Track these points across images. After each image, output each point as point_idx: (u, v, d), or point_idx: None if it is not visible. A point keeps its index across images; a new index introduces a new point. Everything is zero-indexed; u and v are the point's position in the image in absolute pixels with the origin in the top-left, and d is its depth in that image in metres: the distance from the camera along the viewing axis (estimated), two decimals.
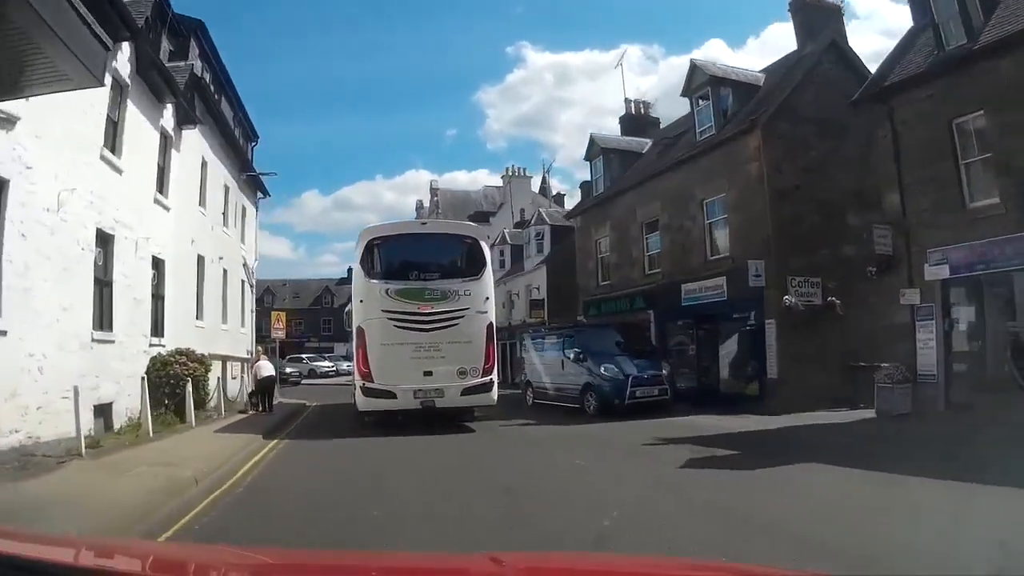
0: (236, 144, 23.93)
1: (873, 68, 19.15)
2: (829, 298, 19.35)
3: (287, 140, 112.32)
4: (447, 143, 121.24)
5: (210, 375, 15.78)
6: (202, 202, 20.24)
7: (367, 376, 13.60)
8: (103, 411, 13.08)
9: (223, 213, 22.48)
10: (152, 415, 13.22)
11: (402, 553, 4.34)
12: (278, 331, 25.79)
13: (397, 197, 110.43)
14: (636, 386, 16.91)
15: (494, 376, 14.24)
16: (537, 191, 53.40)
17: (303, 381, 40.27)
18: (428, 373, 13.46)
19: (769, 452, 10.68)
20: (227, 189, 23.03)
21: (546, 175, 52.16)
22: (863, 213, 19.05)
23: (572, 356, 18.40)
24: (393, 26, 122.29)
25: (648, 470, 9.23)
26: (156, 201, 16.30)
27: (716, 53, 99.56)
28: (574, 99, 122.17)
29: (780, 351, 18.88)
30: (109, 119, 14.02)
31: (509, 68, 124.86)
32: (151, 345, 15.43)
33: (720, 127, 21.59)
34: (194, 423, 14.16)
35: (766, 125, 19.68)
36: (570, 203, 42.44)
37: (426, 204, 57.96)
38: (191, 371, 14.69)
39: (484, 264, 14.56)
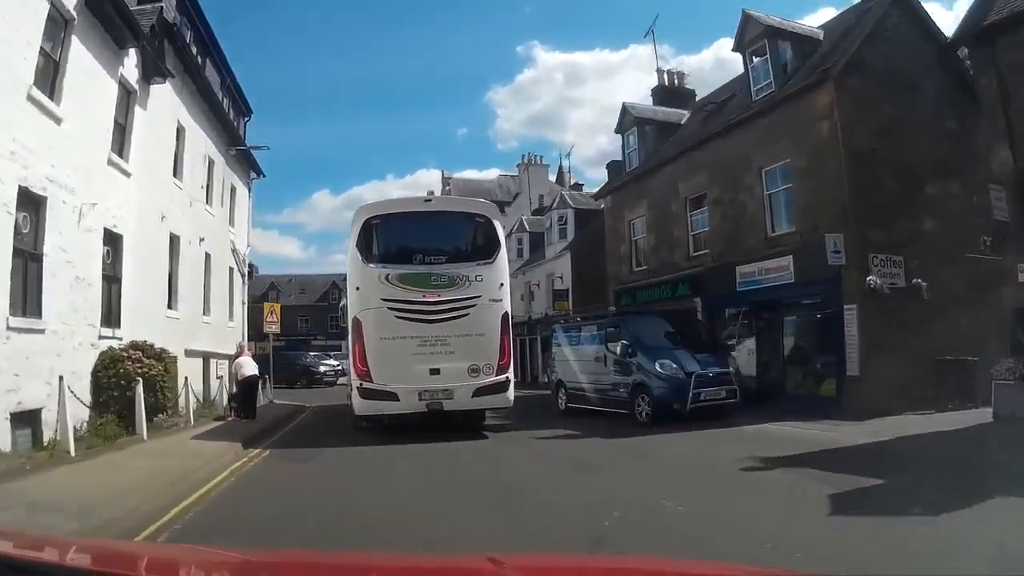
0: (223, 114, 21.01)
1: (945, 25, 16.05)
2: (914, 280, 16.29)
3: (298, 140, 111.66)
4: (458, 142, 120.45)
5: (173, 374, 12.76)
6: (177, 174, 17.33)
7: (364, 375, 11.96)
8: (27, 420, 10.15)
9: (206, 189, 19.60)
10: (95, 425, 10.32)
11: (401, 554, 4.30)
12: (271, 325, 22.80)
13: (408, 196, 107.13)
14: (701, 387, 13.75)
15: (510, 374, 12.67)
16: (554, 180, 50.31)
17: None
18: (435, 371, 11.93)
19: (927, 479, 7.59)
20: (211, 163, 20.14)
21: (567, 160, 48.94)
22: (945, 181, 16.48)
23: (619, 350, 15.12)
24: (403, 26, 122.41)
25: (787, 518, 6.04)
26: (112, 163, 13.39)
27: (726, 53, 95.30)
28: (584, 99, 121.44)
29: (862, 343, 15.84)
30: (45, 55, 11.16)
31: (519, 68, 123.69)
32: (102, 337, 12.51)
33: (781, 84, 18.48)
34: (146, 435, 11.24)
35: (839, 78, 16.63)
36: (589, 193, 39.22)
37: (438, 195, 54.96)
38: (146, 369, 11.79)
39: (498, 245, 12.91)
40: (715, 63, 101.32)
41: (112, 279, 13.42)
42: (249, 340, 23.15)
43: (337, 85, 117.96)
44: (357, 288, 12.44)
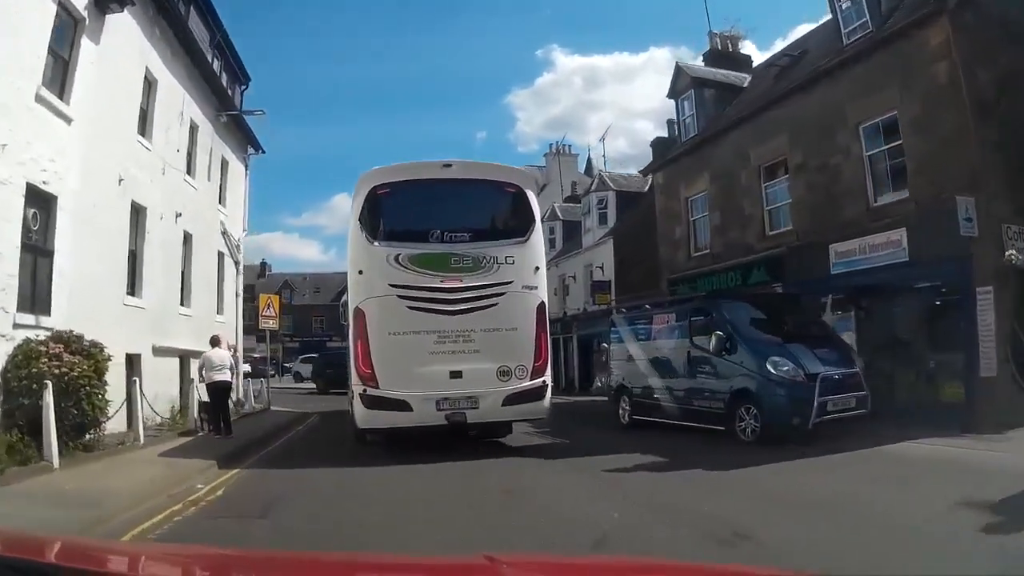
0: (211, 74, 17.90)
1: None
2: None
3: (317, 142, 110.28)
4: (477, 145, 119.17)
5: (102, 375, 9.48)
6: (145, 132, 14.21)
7: (369, 379, 9.98)
8: None
9: (187, 157, 16.48)
10: None
11: (398, 555, 4.26)
12: (268, 320, 19.58)
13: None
14: (827, 393, 10.17)
15: (547, 377, 10.62)
16: (583, 172, 46.85)
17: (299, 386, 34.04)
18: (456, 374, 10.04)
19: None
20: (194, 128, 17.05)
21: (603, 144, 45.30)
22: None
23: (712, 345, 11.32)
24: (423, 29, 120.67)
25: None
26: (42, 100, 10.25)
27: (745, 53, 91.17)
28: (604, 102, 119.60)
29: (999, 335, 12.46)
30: None
31: (539, 71, 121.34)
32: (17, 326, 9.34)
33: (879, 24, 15.01)
34: (56, 460, 8.01)
35: (954, 13, 13.31)
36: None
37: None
38: (65, 369, 8.57)
39: (532, 221, 10.92)
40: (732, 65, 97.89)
41: (40, 251, 10.27)
42: (244, 337, 20.00)
43: (357, 88, 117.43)
44: (360, 272, 10.47)
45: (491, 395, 10.00)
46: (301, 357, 43.80)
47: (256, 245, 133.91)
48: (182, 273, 16.03)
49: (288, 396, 25.12)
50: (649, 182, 28.49)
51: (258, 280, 61.27)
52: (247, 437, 12.15)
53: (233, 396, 14.11)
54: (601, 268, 26.02)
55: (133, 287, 13.50)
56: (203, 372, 12.01)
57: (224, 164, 19.63)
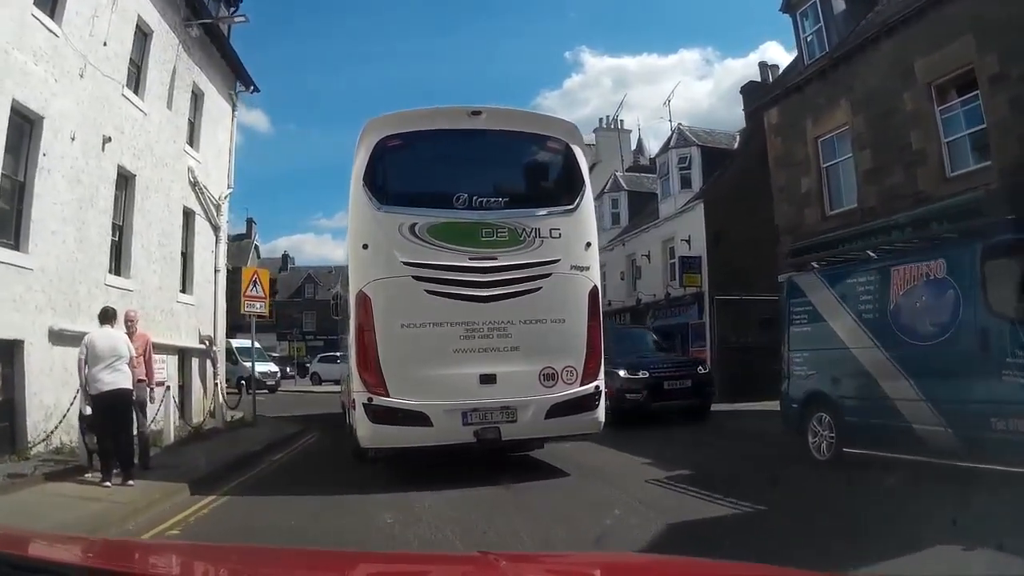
0: None
1: None
2: None
3: (345, 146, 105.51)
4: None
5: None
6: (54, 14, 9.38)
7: (376, 387, 7.77)
8: None
9: (129, 66, 11.64)
10: None
11: (396, 552, 4.23)
12: (254, 303, 14.49)
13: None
14: None
15: (600, 381, 8.43)
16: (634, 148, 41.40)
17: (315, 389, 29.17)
18: (488, 379, 7.89)
19: None
20: (147, 34, 12.35)
21: (666, 106, 39.89)
22: None
23: None
24: (451, 32, 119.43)
25: None
26: None
27: (772, 55, 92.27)
28: (632, 103, 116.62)
29: None
30: None
31: (567, 73, 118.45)
32: None
33: None
34: None
35: None
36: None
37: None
38: None
39: (583, 185, 8.78)
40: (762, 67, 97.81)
41: None
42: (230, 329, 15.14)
43: (387, 90, 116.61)
44: (364, 246, 8.22)
45: (532, 405, 8.04)
46: (319, 356, 39.05)
47: (289, 245, 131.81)
48: (115, 227, 11.12)
49: (303, 401, 20.35)
50: (737, 140, 23.17)
51: (280, 274, 57.02)
52: (180, 473, 7.24)
53: (152, 409, 8.89)
54: (687, 242, 20.55)
55: (14, 237, 8.62)
56: (84, 370, 6.95)
57: (198, 96, 14.77)
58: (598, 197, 29.18)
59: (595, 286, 8.60)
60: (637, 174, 28.24)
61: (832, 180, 15.28)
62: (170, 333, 12.56)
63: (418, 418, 7.76)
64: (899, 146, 13.55)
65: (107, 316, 7.43)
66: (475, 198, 8.30)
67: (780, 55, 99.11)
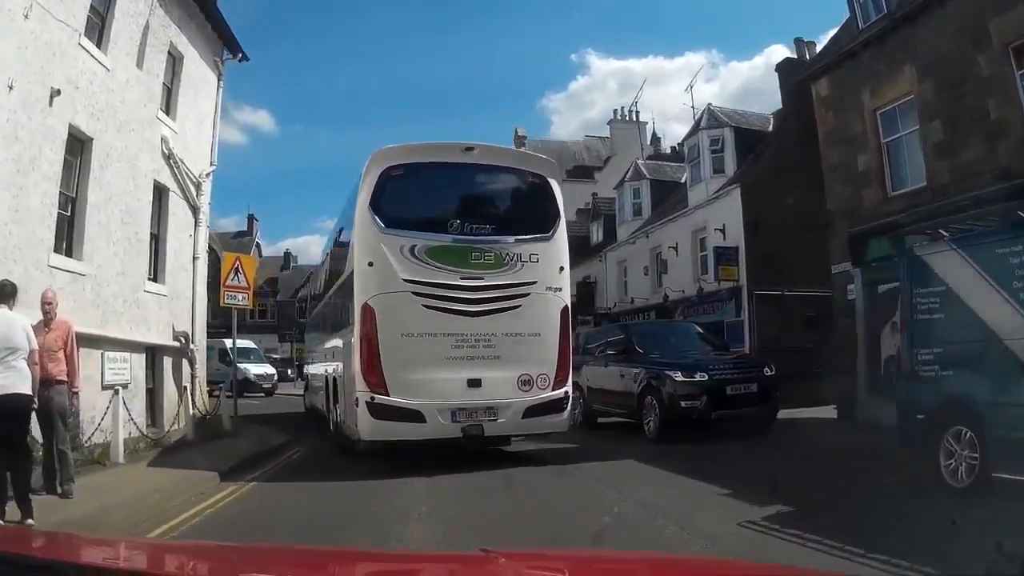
0: None
1: None
2: None
3: (352, 146, 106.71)
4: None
5: None
6: None
7: (378, 387, 8.92)
8: None
9: (99, 23, 10.15)
10: None
11: (397, 552, 4.27)
12: (236, 294, 12.72)
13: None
14: None
15: (569, 388, 9.89)
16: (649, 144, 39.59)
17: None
18: (475, 383, 9.18)
19: None
20: None
21: (690, 92, 38.09)
22: None
23: None
24: (456, 32, 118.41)
25: None
26: None
27: (778, 59, 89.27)
28: (638, 104, 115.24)
29: None
30: None
31: (573, 75, 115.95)
32: None
33: None
34: None
35: None
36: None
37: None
38: None
39: (558, 216, 10.09)
40: (766, 70, 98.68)
41: None
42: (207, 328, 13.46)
43: (394, 91, 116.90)
44: (370, 264, 9.23)
45: (512, 406, 9.34)
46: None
47: (294, 247, 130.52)
48: (66, 200, 9.39)
49: (299, 405, 18.49)
50: (771, 123, 21.37)
51: (282, 273, 55.25)
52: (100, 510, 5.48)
53: (89, 418, 7.08)
54: (722, 231, 18.66)
55: None
56: None
57: (177, 59, 13.06)
58: (618, 186, 27.49)
59: (566, 305, 9.86)
60: (659, 162, 26.46)
61: (894, 156, 13.47)
62: (135, 327, 10.82)
63: (415, 415, 8.88)
64: (974, 116, 11.81)
65: (2, 294, 5.66)
66: (466, 225, 9.49)
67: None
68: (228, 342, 26.13)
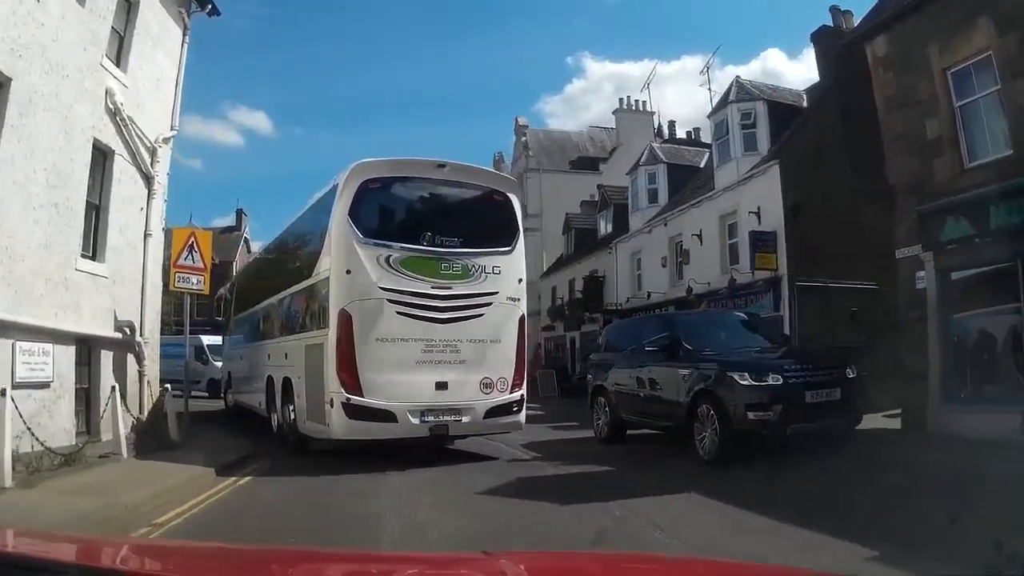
0: None
1: None
2: None
3: (350, 151, 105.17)
4: (510, 151, 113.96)
5: None
6: None
7: (353, 388, 9.47)
8: None
9: None
10: None
11: (398, 552, 4.28)
12: (190, 276, 10.70)
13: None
14: None
15: (524, 391, 10.72)
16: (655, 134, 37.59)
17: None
18: (442, 385, 9.89)
19: None
20: None
21: (705, 75, 36.24)
22: None
23: None
24: (452, 37, 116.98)
25: None
26: None
27: (773, 63, 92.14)
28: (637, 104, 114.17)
29: None
30: None
31: (569, 78, 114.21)
32: None
33: None
34: None
35: None
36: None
37: (507, 154, 42.87)
38: None
39: (518, 231, 10.96)
40: (763, 74, 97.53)
41: None
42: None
43: (388, 96, 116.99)
44: (348, 272, 9.68)
45: (475, 407, 10.09)
46: None
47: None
48: None
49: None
50: (805, 99, 19.45)
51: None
52: None
53: None
54: (757, 214, 16.64)
55: None
56: None
57: (131, 2, 11.10)
58: (631, 171, 25.50)
59: (523, 314, 10.72)
60: (675, 146, 24.50)
61: (970, 122, 11.52)
62: (61, 313, 8.85)
63: (387, 415, 9.43)
64: None
65: None
66: (437, 237, 10.02)
67: (781, 63, 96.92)
68: (206, 339, 24.46)
